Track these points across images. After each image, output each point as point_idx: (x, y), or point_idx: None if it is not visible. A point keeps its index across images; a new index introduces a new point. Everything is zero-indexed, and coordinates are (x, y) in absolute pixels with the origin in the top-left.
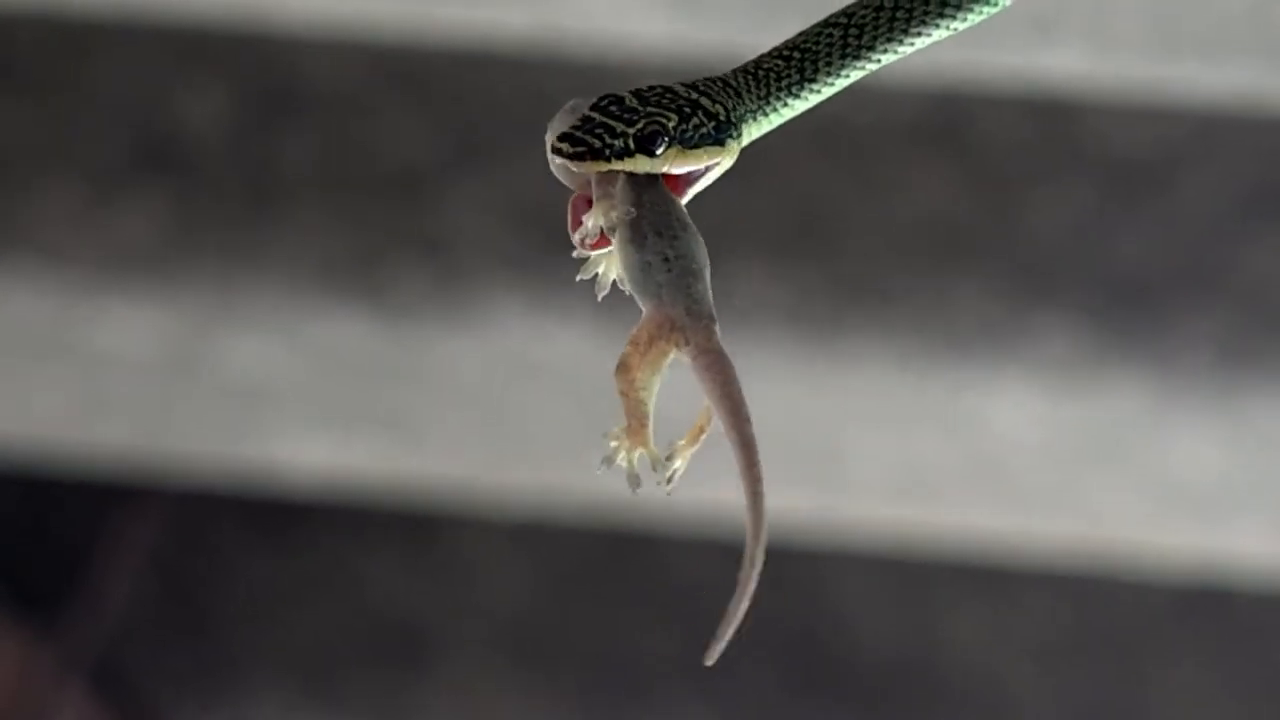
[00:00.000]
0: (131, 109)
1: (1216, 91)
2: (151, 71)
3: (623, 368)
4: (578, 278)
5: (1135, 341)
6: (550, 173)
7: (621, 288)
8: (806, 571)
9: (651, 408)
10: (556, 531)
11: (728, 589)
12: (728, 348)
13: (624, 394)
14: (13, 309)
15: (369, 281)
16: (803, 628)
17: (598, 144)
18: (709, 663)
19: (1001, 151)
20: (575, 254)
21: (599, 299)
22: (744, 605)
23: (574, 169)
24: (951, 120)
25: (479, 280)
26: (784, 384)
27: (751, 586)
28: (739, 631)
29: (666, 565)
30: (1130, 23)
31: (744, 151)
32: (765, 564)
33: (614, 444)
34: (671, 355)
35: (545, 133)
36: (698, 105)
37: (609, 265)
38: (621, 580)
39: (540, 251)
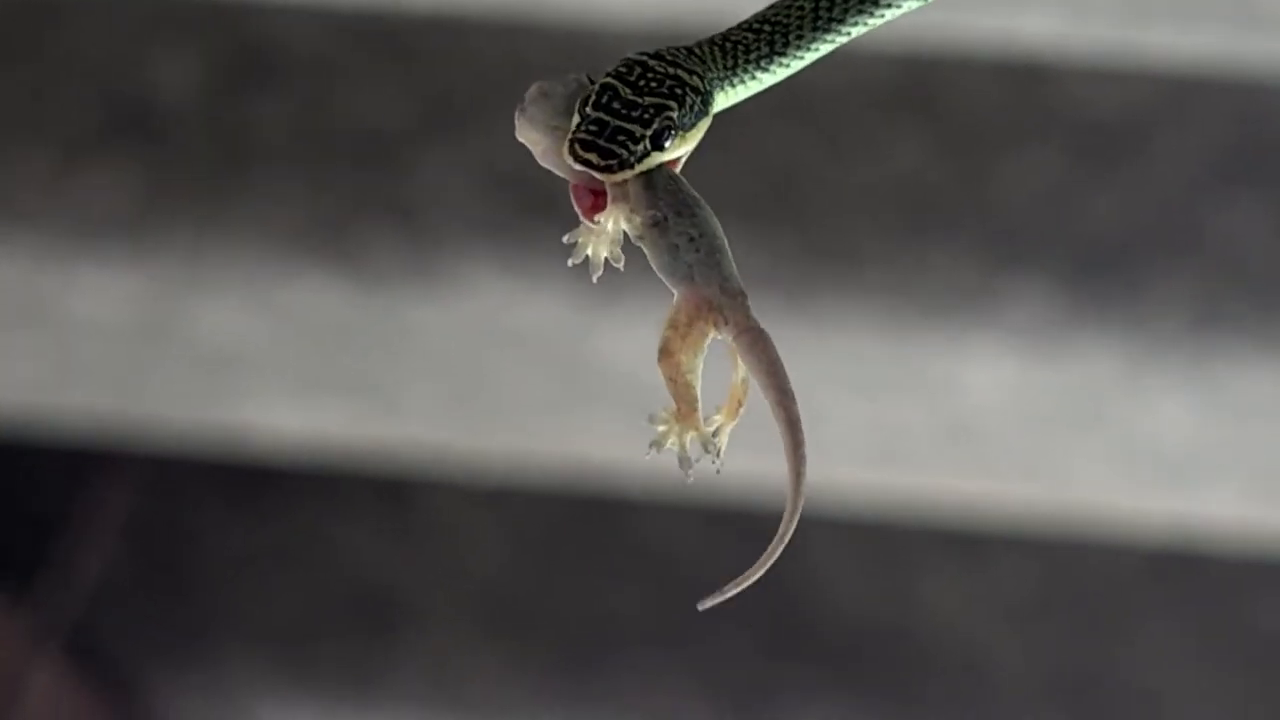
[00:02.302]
0: (103, 74)
1: (1189, 55)
2: (123, 37)
3: (665, 353)
4: (570, 262)
5: (1108, 305)
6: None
7: (615, 266)
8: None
9: (698, 389)
10: (531, 497)
11: (702, 553)
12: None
13: (671, 379)
14: None
15: (342, 247)
16: (777, 591)
17: (624, 154)
18: (702, 608)
19: (974, 115)
20: (566, 239)
21: (594, 280)
22: (759, 573)
23: (599, 178)
24: (924, 84)
25: (452, 246)
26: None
27: (774, 558)
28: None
29: (641, 530)
30: None
31: (717, 117)
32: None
33: (663, 428)
34: (711, 335)
35: (515, 111)
36: (684, 84)
37: (598, 245)
38: (596, 546)
39: (513, 217)
